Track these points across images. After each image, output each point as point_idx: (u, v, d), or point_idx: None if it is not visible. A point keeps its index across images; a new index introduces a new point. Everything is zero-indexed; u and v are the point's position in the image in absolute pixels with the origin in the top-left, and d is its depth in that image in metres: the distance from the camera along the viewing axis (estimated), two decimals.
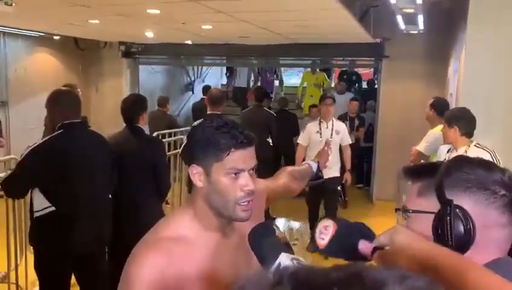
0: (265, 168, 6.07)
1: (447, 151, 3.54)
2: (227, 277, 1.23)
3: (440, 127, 4.18)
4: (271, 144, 6.13)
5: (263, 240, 1.03)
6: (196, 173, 1.24)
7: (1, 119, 6.77)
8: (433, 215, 0.90)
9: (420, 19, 5.10)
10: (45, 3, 4.62)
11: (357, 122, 7.61)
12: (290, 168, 1.90)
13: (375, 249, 0.88)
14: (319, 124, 5.18)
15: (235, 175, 1.21)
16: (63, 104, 2.76)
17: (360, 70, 11.02)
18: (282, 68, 12.15)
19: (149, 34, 7.12)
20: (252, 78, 11.42)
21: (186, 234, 1.23)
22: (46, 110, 2.86)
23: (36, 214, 2.69)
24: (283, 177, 1.79)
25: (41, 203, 2.68)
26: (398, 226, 0.91)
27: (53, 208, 2.67)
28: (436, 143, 4.12)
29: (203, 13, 4.85)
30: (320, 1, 4.29)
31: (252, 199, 1.25)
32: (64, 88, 3.06)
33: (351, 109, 7.67)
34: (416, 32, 6.16)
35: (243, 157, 1.22)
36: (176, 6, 4.65)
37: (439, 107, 4.26)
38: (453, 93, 5.24)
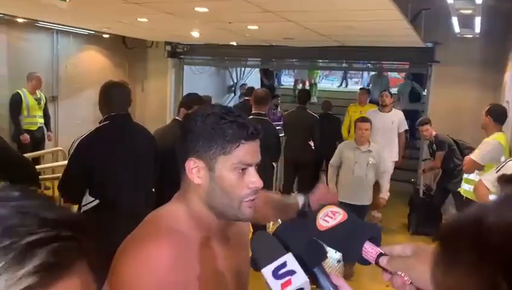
0: (306, 171, 6.04)
1: None
2: (227, 281, 1.13)
3: (497, 135, 3.95)
4: (313, 147, 6.02)
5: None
6: (195, 167, 1.07)
7: (50, 114, 7.01)
8: None
9: (477, 21, 4.85)
10: (98, 0, 4.72)
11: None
12: (269, 193, 1.64)
13: (380, 254, 0.78)
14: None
15: (241, 171, 1.07)
16: (111, 96, 2.78)
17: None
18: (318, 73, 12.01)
19: (195, 34, 7.17)
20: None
21: (186, 231, 1.07)
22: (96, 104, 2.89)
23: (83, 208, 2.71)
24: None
25: (85, 198, 2.70)
26: (420, 249, 0.76)
27: (96, 202, 2.68)
28: (493, 152, 3.89)
29: (251, 12, 4.82)
30: (373, 1, 4.16)
31: (257, 197, 1.11)
32: (116, 80, 3.08)
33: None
34: (471, 36, 5.89)
35: (252, 151, 1.07)
36: (224, 5, 4.64)
37: (496, 114, 4.04)
38: (510, 101, 4.96)
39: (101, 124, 2.78)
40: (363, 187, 4.41)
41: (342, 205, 0.88)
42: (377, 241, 0.80)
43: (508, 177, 0.93)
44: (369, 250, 0.79)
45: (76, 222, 0.49)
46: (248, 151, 1.07)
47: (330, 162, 4.66)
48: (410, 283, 0.75)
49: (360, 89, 8.06)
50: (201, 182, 1.08)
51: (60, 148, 6.36)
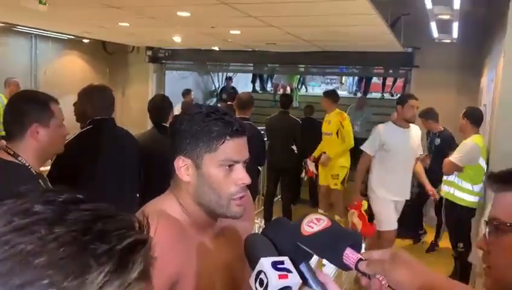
0: (289, 175, 6.06)
1: None
2: (217, 277, 1.13)
3: (475, 137, 4.04)
4: (295, 152, 6.05)
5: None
6: (183, 166, 1.09)
7: None
8: None
9: (455, 26, 4.97)
10: (78, 4, 4.67)
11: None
12: None
13: (360, 260, 0.81)
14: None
15: (228, 167, 1.07)
16: (94, 100, 2.74)
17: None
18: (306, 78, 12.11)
19: (177, 39, 7.16)
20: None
21: (182, 222, 1.10)
22: (74, 108, 2.84)
23: None
24: None
25: None
26: (397, 254, 0.80)
27: None
28: (471, 154, 3.98)
29: (233, 17, 4.84)
30: (354, 6, 4.22)
31: (246, 194, 1.13)
32: (97, 84, 3.05)
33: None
34: (449, 41, 6.02)
35: (238, 148, 1.08)
36: (207, 9, 4.64)
37: (473, 116, 4.13)
38: (488, 104, 5.07)
39: (83, 129, 2.74)
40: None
41: None
42: (357, 248, 0.83)
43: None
44: (350, 256, 0.81)
45: (144, 224, 0.48)
46: (234, 148, 1.07)
47: None
48: (388, 286, 0.77)
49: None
50: (189, 180, 1.09)
51: None
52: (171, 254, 0.98)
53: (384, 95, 11.42)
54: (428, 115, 5.28)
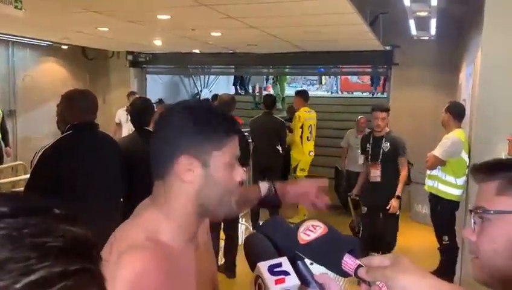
0: (274, 175, 6.06)
1: None
2: (205, 284, 1.13)
3: (457, 131, 4.10)
4: (280, 152, 6.06)
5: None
6: (188, 165, 1.00)
7: (8, 128, 6.76)
8: None
9: (433, 23, 5.05)
10: (56, 9, 4.60)
11: None
12: None
13: (359, 266, 0.80)
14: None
15: (233, 165, 1.07)
16: (75, 104, 2.70)
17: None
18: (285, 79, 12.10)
19: (157, 43, 7.11)
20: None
21: (166, 241, 1.00)
22: (57, 112, 2.80)
23: None
24: None
25: None
26: (399, 260, 0.78)
27: None
28: (454, 147, 4.04)
29: (213, 19, 4.83)
30: (333, 6, 4.26)
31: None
32: (80, 89, 3.01)
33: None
34: (427, 38, 6.12)
35: (237, 144, 1.08)
36: (187, 12, 4.63)
37: (456, 111, 4.20)
38: (467, 98, 5.16)
39: (65, 133, 2.70)
40: None
41: None
42: (356, 254, 0.82)
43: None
44: (349, 262, 0.80)
45: (84, 243, 0.39)
46: (237, 144, 1.06)
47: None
48: None
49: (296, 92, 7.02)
50: (192, 180, 1.01)
51: (21, 162, 6.14)
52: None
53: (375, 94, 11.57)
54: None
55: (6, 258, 0.33)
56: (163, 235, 1.00)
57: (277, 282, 0.79)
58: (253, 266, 0.85)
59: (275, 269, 0.81)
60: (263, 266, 0.81)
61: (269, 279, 0.79)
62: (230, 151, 1.03)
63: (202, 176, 1.02)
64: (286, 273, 0.81)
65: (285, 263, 0.82)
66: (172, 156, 1.01)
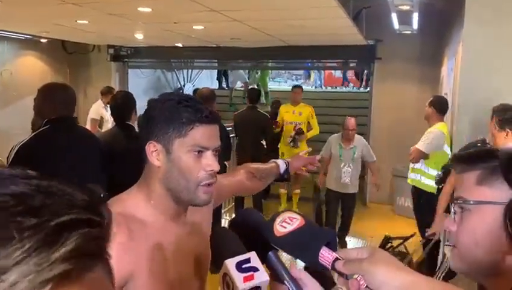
0: None
1: None
2: (184, 266, 1.15)
3: (439, 124, 4.13)
4: (265, 146, 6.04)
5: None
6: (154, 150, 1.12)
7: None
8: (501, 206, 0.81)
9: (415, 17, 5.08)
10: (34, 0, 4.48)
11: None
12: (252, 165, 1.77)
13: (336, 259, 0.78)
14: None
15: (198, 153, 1.11)
16: (53, 98, 2.62)
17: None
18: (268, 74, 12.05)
19: (139, 36, 7.01)
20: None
21: (142, 217, 1.10)
22: (34, 106, 2.72)
23: None
24: (240, 174, 1.66)
25: None
26: (376, 253, 0.77)
27: None
28: (437, 141, 4.07)
29: (195, 12, 4.77)
30: None
31: (215, 182, 1.15)
32: (57, 82, 2.93)
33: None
34: (409, 32, 6.15)
35: (207, 134, 1.12)
36: (168, 4, 4.56)
37: (439, 105, 4.22)
38: (448, 92, 5.21)
39: (41, 128, 2.62)
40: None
41: None
42: (333, 247, 0.80)
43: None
44: (326, 255, 0.78)
45: (104, 205, 0.43)
46: (204, 134, 1.11)
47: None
48: (366, 286, 0.74)
49: (294, 86, 7.07)
50: (160, 165, 1.12)
51: None
52: (121, 254, 0.97)
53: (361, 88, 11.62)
54: None
55: (41, 204, 0.38)
56: (139, 212, 1.11)
57: (245, 279, 0.76)
58: (217, 263, 0.82)
59: (243, 266, 0.78)
60: (230, 263, 0.78)
61: (237, 276, 0.76)
62: (193, 139, 1.10)
63: (166, 162, 1.11)
64: (255, 269, 0.78)
65: (254, 258, 0.79)
66: (145, 142, 1.13)
